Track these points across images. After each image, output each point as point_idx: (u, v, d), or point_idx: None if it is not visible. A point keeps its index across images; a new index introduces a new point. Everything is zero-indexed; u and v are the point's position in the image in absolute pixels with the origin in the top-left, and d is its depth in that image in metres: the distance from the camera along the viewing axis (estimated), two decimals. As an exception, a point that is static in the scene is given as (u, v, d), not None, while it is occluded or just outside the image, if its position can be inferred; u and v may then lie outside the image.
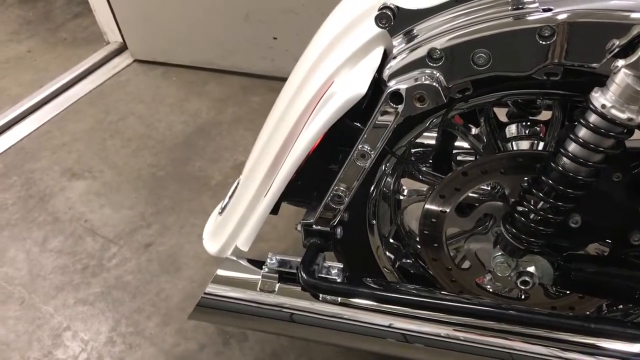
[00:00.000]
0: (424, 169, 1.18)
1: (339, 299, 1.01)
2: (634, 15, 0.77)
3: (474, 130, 1.13)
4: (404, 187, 1.20)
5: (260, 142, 1.15)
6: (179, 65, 2.46)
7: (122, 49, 2.61)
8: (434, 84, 0.86)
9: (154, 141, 2.12)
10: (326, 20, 1.10)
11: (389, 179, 1.13)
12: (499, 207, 1.04)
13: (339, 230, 1.06)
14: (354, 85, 0.92)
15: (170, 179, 1.95)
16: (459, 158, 1.27)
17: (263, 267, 1.06)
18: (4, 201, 1.94)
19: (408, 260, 1.24)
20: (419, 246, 1.17)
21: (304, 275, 1.00)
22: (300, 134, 0.99)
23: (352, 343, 1.04)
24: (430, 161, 1.23)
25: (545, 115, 1.15)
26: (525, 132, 1.13)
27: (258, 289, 1.05)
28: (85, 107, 2.34)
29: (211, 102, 2.28)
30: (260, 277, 1.05)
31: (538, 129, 1.13)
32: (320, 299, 1.02)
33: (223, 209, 1.24)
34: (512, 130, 1.14)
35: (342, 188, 1.00)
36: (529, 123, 1.14)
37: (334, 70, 0.97)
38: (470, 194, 1.06)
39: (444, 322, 0.97)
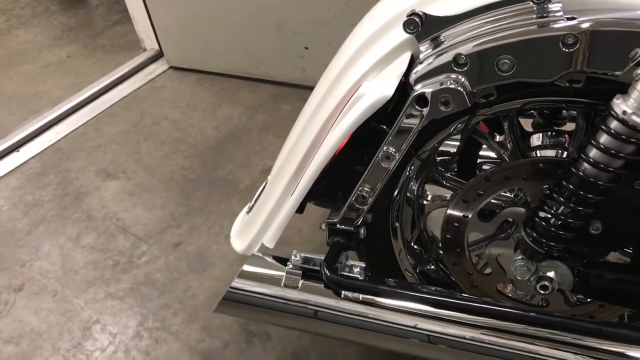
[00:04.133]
0: (448, 174, 1.20)
1: (361, 297, 1.03)
2: (657, 25, 0.78)
3: (498, 138, 1.15)
4: (427, 192, 1.23)
5: (289, 144, 1.18)
6: (212, 73, 2.52)
7: (158, 56, 2.69)
8: (459, 88, 0.89)
9: (186, 145, 2.18)
10: (356, 27, 1.14)
11: (412, 184, 1.15)
12: (521, 212, 1.06)
13: (362, 230, 1.09)
14: (382, 88, 0.95)
15: (201, 182, 2.00)
16: (484, 167, 1.29)
17: (287, 263, 1.09)
18: (40, 198, 2.02)
19: (430, 266, 1.26)
20: (441, 251, 1.19)
21: (327, 271, 1.03)
22: (328, 135, 1.02)
23: (373, 341, 1.06)
24: (455, 168, 1.25)
25: (570, 126, 1.16)
26: (549, 142, 1.15)
27: (282, 284, 1.08)
28: (121, 111, 2.42)
29: (243, 109, 2.33)
30: (284, 273, 1.09)
31: (563, 139, 1.14)
32: (342, 296, 1.04)
33: (250, 209, 1.28)
34: (536, 139, 1.16)
35: (366, 189, 1.03)
36: (553, 133, 1.15)
37: (362, 74, 1.00)
38: (493, 201, 1.08)
39: (467, 324, 0.98)
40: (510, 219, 1.09)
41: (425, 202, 1.21)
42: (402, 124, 0.95)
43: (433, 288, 1.06)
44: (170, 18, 2.47)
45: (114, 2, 3.23)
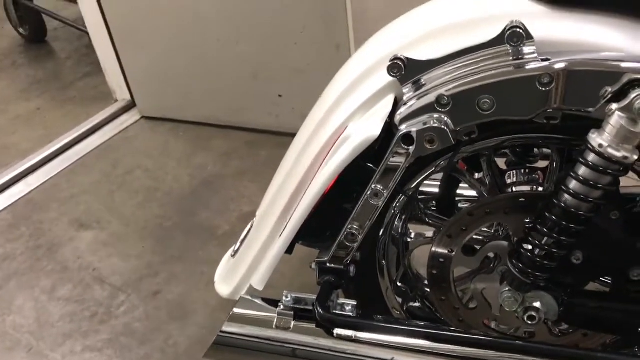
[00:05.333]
0: (430, 212, 1.23)
1: (354, 335, 1.04)
2: (624, 64, 0.85)
3: (476, 175, 1.19)
4: (411, 231, 1.26)
5: (274, 187, 1.21)
6: (186, 122, 2.54)
7: (130, 106, 2.70)
8: (443, 126, 0.93)
9: (161, 193, 2.18)
10: (336, 75, 1.19)
11: (397, 222, 1.18)
12: (503, 246, 1.09)
13: (352, 268, 1.11)
14: (368, 128, 0.99)
15: (178, 230, 2.00)
16: (460, 205, 1.34)
17: (279, 304, 1.09)
18: (12, 251, 1.97)
19: (416, 303, 1.28)
20: (427, 289, 1.21)
21: (320, 310, 1.04)
22: (316, 175, 1.05)
23: None
24: (434, 206, 1.29)
25: (542, 163, 1.22)
26: (524, 179, 1.20)
27: (274, 326, 1.08)
28: (94, 162, 2.41)
29: (217, 156, 2.35)
30: (276, 315, 1.09)
31: (536, 175, 1.20)
32: (335, 335, 1.05)
33: (236, 252, 1.29)
34: (511, 177, 1.21)
35: (355, 226, 1.06)
36: (527, 170, 1.20)
37: (347, 116, 1.04)
38: (475, 237, 1.12)
39: (461, 357, 1.00)
40: (493, 254, 1.13)
41: (409, 240, 1.24)
42: (389, 162, 0.99)
43: (426, 323, 1.08)
44: (143, 68, 2.50)
45: (84, 54, 3.25)
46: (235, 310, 1.11)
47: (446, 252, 1.11)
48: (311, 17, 2.08)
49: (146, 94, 2.58)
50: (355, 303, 1.07)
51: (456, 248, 1.11)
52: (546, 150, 1.17)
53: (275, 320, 1.08)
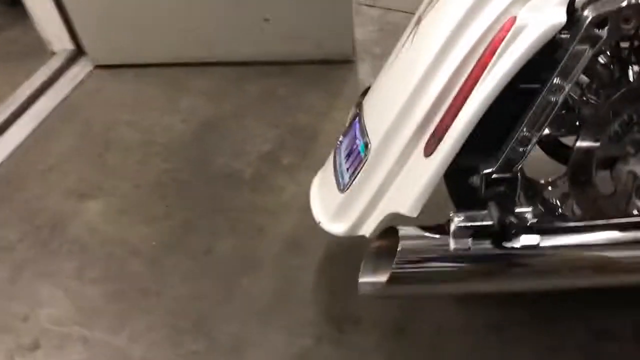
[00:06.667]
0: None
1: (540, 242, 0.98)
2: None
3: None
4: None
5: (389, 104, 1.09)
6: (153, 65, 2.26)
7: (74, 56, 2.36)
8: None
9: (159, 146, 1.94)
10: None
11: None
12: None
13: (520, 175, 1.04)
14: (549, 15, 0.89)
15: (198, 181, 1.80)
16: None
17: (451, 226, 1.00)
18: (5, 239, 1.68)
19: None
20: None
21: (499, 223, 0.97)
22: (486, 78, 0.94)
23: (566, 282, 1.03)
24: None
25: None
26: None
27: (451, 249, 1.00)
28: (59, 125, 2.09)
29: (205, 98, 2.12)
30: (450, 237, 1.00)
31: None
32: (520, 247, 0.99)
33: (346, 187, 1.17)
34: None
35: (529, 128, 0.98)
36: None
37: (509, 2, 0.93)
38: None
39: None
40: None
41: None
42: (574, 50, 0.90)
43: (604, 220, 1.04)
44: (92, 9, 2.16)
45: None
46: (403, 243, 1.00)
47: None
48: None
49: (99, 39, 2.24)
50: (531, 209, 1.01)
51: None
52: None
53: (452, 243, 1.00)
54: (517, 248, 0.99)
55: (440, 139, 1.01)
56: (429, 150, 1.03)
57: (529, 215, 1.00)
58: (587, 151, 1.08)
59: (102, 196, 1.78)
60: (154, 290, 1.50)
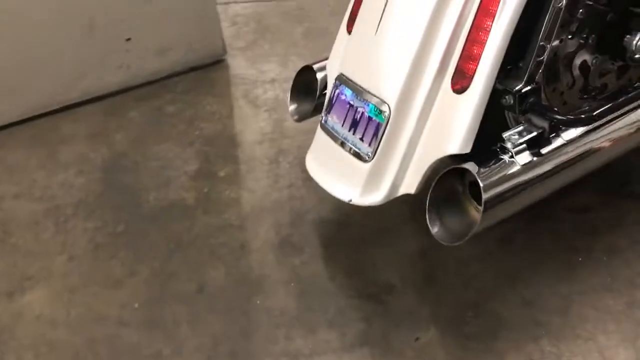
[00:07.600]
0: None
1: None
2: None
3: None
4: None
5: (396, 56, 1.11)
6: (9, 125, 1.92)
7: None
8: None
9: (69, 208, 1.66)
10: None
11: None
12: None
13: (543, 81, 1.12)
14: None
15: (140, 226, 1.59)
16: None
17: (508, 146, 1.06)
18: None
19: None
20: None
21: (549, 125, 1.06)
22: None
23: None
24: None
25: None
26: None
27: (521, 166, 1.05)
28: None
29: (87, 141, 1.87)
30: (513, 159, 1.05)
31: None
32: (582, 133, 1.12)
33: (373, 154, 1.17)
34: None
35: (544, 38, 1.06)
36: None
37: None
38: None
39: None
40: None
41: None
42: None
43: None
44: None
45: None
46: (481, 182, 1.02)
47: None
48: None
49: None
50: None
51: None
52: None
53: (517, 160, 1.06)
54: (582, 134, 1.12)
55: (469, 72, 1.04)
56: (459, 86, 1.06)
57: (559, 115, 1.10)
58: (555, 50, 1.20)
59: (37, 284, 1.49)
60: (168, 353, 1.32)
